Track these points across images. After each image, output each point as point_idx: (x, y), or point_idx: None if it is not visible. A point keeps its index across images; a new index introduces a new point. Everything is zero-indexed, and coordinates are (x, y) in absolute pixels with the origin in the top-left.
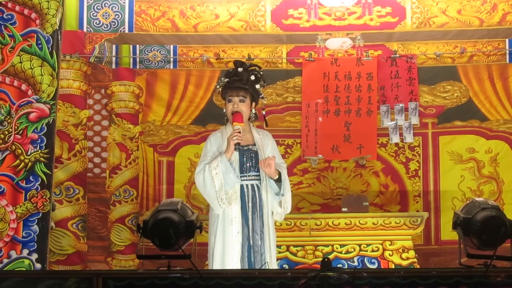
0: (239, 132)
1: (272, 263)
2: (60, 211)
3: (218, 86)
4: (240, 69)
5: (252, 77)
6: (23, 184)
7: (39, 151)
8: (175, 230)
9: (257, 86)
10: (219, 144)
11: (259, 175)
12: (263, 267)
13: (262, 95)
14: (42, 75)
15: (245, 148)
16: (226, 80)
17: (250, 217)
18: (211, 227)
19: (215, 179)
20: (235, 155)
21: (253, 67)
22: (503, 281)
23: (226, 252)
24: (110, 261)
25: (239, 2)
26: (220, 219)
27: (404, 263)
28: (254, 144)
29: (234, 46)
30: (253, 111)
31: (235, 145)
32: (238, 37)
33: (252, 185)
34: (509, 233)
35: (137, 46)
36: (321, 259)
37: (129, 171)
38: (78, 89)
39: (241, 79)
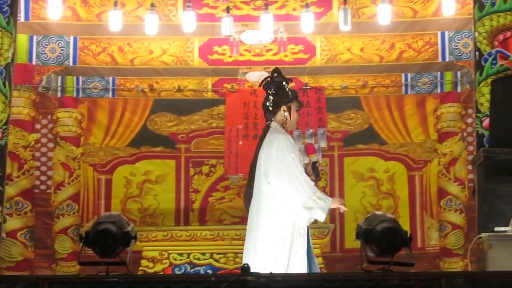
0: None
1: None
2: (10, 223)
3: (289, 91)
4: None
5: None
6: None
7: None
8: (113, 240)
9: None
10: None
11: None
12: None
13: None
14: None
15: None
16: (289, 88)
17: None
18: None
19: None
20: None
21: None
22: (399, 284)
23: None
24: (54, 267)
25: (171, 40)
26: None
27: None
28: None
29: (166, 78)
30: None
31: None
32: (170, 70)
33: None
34: (404, 242)
35: (80, 77)
36: (241, 265)
37: (72, 188)
38: (27, 115)
39: None
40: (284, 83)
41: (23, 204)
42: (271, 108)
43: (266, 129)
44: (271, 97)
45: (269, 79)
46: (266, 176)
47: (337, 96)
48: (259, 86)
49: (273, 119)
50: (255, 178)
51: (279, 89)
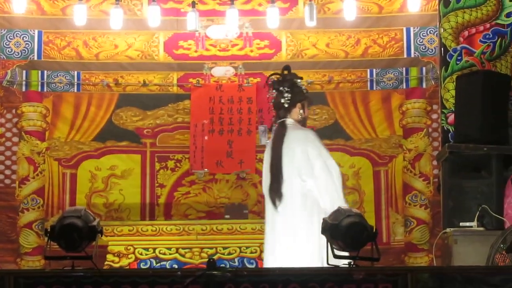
0: None
1: None
2: None
3: (305, 91)
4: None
5: None
6: None
7: None
8: (79, 234)
9: None
10: None
11: None
12: None
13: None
14: None
15: None
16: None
17: None
18: None
19: None
20: None
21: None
22: (364, 278)
23: None
24: (19, 262)
25: (136, 34)
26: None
27: None
28: None
29: (131, 72)
30: None
31: None
32: (135, 64)
33: None
34: (370, 237)
35: (45, 71)
36: (206, 260)
37: (36, 182)
38: None
39: None
40: (298, 80)
41: None
42: (286, 106)
43: (283, 126)
44: (287, 95)
45: (277, 76)
46: (301, 173)
47: None
48: (266, 82)
49: (288, 116)
50: (283, 174)
51: (293, 86)
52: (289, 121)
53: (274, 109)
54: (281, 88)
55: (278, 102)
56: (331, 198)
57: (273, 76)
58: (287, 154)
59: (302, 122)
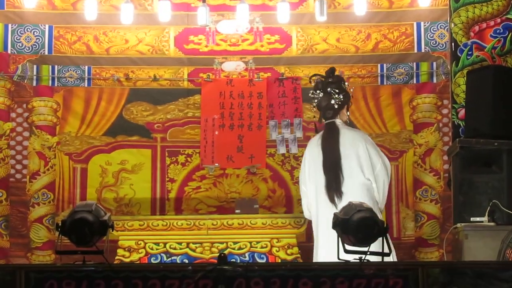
0: None
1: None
2: None
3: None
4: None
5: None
6: None
7: None
8: (90, 229)
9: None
10: None
11: None
12: None
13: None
14: None
15: None
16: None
17: None
18: None
19: None
20: None
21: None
22: (375, 274)
23: None
24: (30, 256)
25: (147, 29)
26: None
27: (289, 258)
28: None
29: (141, 67)
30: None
31: None
32: (145, 59)
33: None
34: (381, 232)
35: (56, 66)
36: (217, 254)
37: (47, 177)
38: (2, 104)
39: None
40: (346, 83)
41: None
42: (336, 107)
43: (334, 126)
44: (337, 96)
45: (320, 77)
46: (364, 171)
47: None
48: (310, 81)
49: (337, 117)
50: (343, 172)
51: (341, 88)
52: (338, 121)
53: (319, 109)
54: (329, 89)
55: (327, 103)
56: (384, 197)
57: (315, 77)
58: (346, 153)
59: (347, 123)
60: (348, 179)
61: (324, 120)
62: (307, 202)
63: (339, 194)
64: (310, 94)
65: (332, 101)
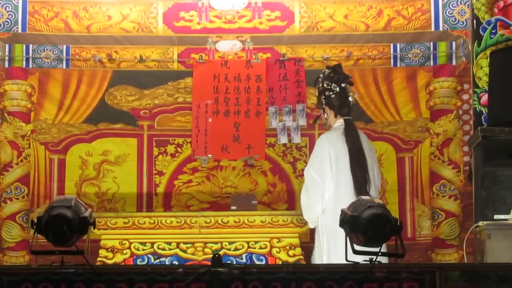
0: None
1: None
2: None
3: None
4: None
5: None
6: None
7: None
8: (69, 226)
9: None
10: None
11: None
12: None
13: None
14: None
15: None
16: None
17: None
18: None
19: None
20: None
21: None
22: (387, 277)
23: None
24: (1, 258)
25: (132, 4)
26: None
27: (291, 259)
28: None
29: (126, 47)
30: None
31: None
32: (130, 38)
33: None
34: (394, 231)
35: (30, 45)
36: (210, 256)
37: (21, 169)
38: None
39: None
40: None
41: None
42: (351, 105)
43: (352, 124)
44: (352, 94)
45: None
46: (376, 183)
47: (318, 68)
48: (342, 74)
49: (351, 114)
50: (369, 174)
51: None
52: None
53: (330, 103)
54: (344, 85)
55: (344, 100)
56: None
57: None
58: (367, 155)
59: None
60: (372, 182)
61: (339, 116)
62: (326, 196)
63: (368, 184)
64: (325, 85)
65: (350, 98)
